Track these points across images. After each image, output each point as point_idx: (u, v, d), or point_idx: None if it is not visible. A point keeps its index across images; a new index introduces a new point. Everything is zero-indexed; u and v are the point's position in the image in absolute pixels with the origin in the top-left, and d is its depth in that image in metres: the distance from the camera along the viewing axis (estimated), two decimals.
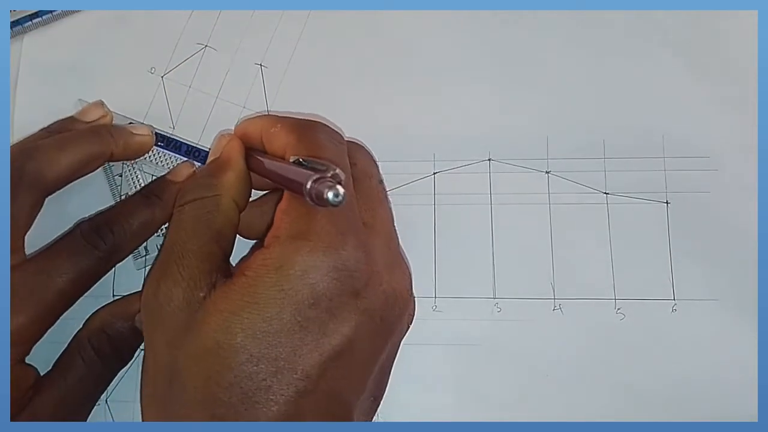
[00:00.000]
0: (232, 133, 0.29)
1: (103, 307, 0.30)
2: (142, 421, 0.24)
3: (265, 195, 0.31)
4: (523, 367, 0.34)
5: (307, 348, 0.22)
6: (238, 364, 0.21)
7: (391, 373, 0.27)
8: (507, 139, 0.36)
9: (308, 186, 0.21)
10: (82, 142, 0.30)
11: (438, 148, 0.36)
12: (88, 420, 0.29)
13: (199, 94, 0.37)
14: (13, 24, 0.37)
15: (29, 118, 0.35)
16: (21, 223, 0.28)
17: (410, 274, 0.27)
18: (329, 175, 0.21)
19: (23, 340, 0.27)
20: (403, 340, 0.27)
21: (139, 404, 0.24)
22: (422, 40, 0.37)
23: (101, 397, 0.30)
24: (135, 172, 0.35)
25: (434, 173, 0.36)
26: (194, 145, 0.35)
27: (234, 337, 0.21)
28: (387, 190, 0.30)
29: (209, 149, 0.35)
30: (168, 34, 0.37)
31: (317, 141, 0.25)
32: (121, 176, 0.35)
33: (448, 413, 0.33)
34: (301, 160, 0.24)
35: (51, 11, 0.37)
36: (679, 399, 0.33)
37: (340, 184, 0.21)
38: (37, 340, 0.27)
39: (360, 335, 0.23)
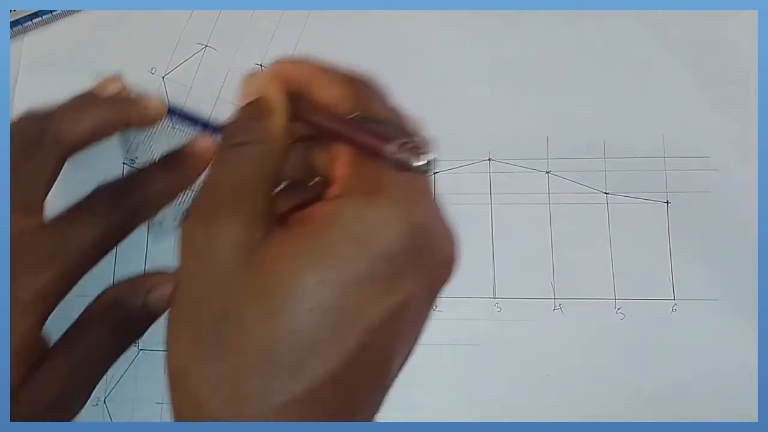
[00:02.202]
0: (264, 73, 0.27)
1: (114, 285, 0.29)
2: (168, 376, 0.21)
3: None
4: (523, 367, 0.34)
5: (374, 303, 0.21)
6: (304, 311, 0.20)
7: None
8: (507, 139, 0.36)
9: (393, 151, 0.21)
10: (101, 106, 0.30)
11: (438, 148, 0.36)
12: (86, 420, 0.29)
13: (199, 94, 0.37)
14: (13, 24, 0.37)
15: None
16: (41, 183, 0.27)
17: (458, 246, 0.26)
18: (415, 140, 0.21)
19: (48, 298, 0.26)
20: None
21: (136, 404, 0.24)
22: (422, 40, 0.37)
23: (100, 397, 0.30)
24: (150, 147, 0.34)
25: (434, 173, 0.36)
26: (210, 121, 0.34)
27: (303, 282, 0.20)
28: None
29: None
30: (168, 34, 0.37)
31: (375, 100, 0.25)
32: (137, 149, 0.35)
33: (448, 413, 0.33)
34: (362, 116, 0.23)
35: (51, 11, 0.37)
36: (679, 399, 0.33)
37: (426, 151, 0.20)
38: (61, 299, 0.27)
39: (416, 297, 0.22)
